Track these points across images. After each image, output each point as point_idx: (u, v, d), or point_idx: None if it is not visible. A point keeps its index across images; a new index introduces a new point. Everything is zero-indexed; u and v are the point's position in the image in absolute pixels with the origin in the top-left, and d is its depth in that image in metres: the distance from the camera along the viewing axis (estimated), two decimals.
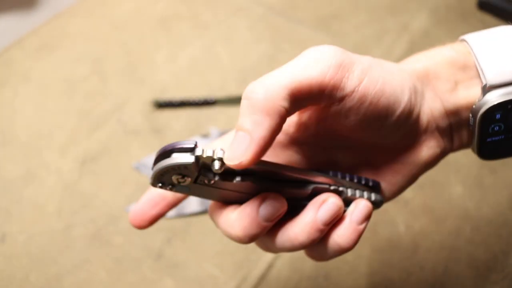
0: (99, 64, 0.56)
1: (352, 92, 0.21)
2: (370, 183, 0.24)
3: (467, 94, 0.23)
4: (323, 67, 0.20)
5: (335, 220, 0.22)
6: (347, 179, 0.24)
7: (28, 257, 0.41)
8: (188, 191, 0.22)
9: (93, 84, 0.54)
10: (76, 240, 0.42)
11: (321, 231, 0.22)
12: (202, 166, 0.21)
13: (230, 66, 0.57)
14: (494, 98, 0.22)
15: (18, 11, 0.63)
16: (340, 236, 0.23)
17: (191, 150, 0.20)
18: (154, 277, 0.40)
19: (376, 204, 0.25)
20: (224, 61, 0.57)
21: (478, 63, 0.23)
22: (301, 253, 0.42)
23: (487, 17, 0.63)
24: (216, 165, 0.20)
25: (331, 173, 0.24)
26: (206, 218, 0.44)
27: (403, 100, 0.22)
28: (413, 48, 0.60)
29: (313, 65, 0.20)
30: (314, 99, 0.21)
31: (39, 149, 0.48)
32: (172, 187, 0.22)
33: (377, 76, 0.21)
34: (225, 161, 0.20)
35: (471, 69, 0.23)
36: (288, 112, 0.20)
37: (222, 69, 0.56)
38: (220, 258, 0.42)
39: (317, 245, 0.23)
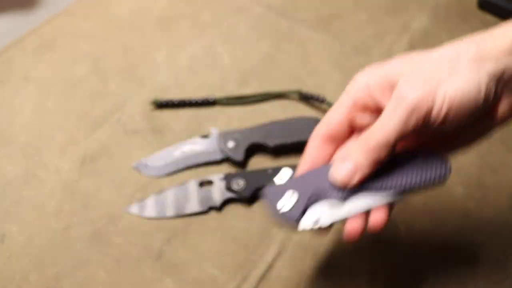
0: (98, 64, 0.56)
1: (443, 117, 0.25)
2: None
3: None
4: (416, 99, 0.25)
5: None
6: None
7: (28, 257, 0.41)
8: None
9: (92, 84, 0.54)
10: (76, 240, 0.42)
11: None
12: None
13: (230, 66, 0.56)
14: None
15: (18, 10, 0.63)
16: None
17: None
18: (154, 278, 0.40)
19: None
20: (224, 61, 0.57)
21: None
22: (302, 253, 0.42)
23: (488, 17, 0.63)
24: None
25: None
26: (206, 218, 0.44)
27: (479, 99, 0.25)
28: (414, 48, 0.60)
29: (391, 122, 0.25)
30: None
31: (39, 149, 0.48)
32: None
33: (453, 94, 0.25)
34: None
35: None
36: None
37: (222, 69, 0.56)
38: (220, 258, 0.41)
39: None
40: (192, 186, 0.45)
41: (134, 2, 0.64)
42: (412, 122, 0.25)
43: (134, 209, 0.44)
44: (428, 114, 0.25)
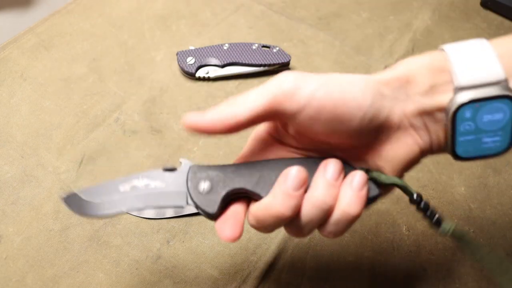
0: (96, 63, 0.56)
1: (304, 106, 0.24)
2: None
3: (441, 97, 0.25)
4: (274, 90, 0.25)
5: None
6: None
7: (25, 258, 0.41)
8: None
9: (90, 83, 0.54)
10: (74, 242, 0.42)
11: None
12: None
13: None
14: (464, 97, 0.24)
15: (15, 9, 0.62)
16: (347, 205, 0.25)
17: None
18: (152, 279, 0.40)
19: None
20: None
21: (452, 67, 0.25)
22: (302, 254, 0.41)
23: (491, 15, 0.63)
24: None
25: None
26: (205, 219, 0.43)
27: (365, 104, 0.24)
28: (416, 46, 0.59)
29: (264, 94, 0.25)
30: (272, 115, 0.25)
31: (36, 149, 0.48)
32: None
33: (333, 88, 0.25)
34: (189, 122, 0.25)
35: (446, 73, 0.25)
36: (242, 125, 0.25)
37: None
38: (220, 259, 0.41)
39: (329, 222, 0.26)
40: None
41: (132, 0, 0.63)
42: (270, 101, 0.25)
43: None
44: (287, 97, 0.25)
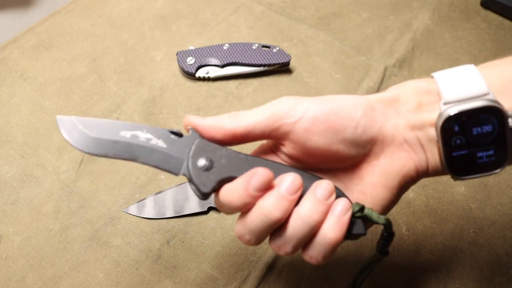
0: (96, 63, 0.56)
1: (299, 118, 0.26)
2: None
3: (429, 114, 0.26)
4: (264, 116, 0.27)
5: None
6: None
7: (25, 258, 0.41)
8: None
9: (90, 83, 0.54)
10: (74, 242, 0.42)
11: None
12: None
13: None
14: (450, 110, 0.25)
15: (15, 9, 0.62)
16: (328, 229, 0.26)
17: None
18: (152, 279, 0.40)
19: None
20: None
21: (438, 87, 0.26)
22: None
23: (491, 15, 0.63)
24: None
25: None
26: (205, 218, 0.44)
27: (356, 115, 0.26)
28: (416, 46, 0.59)
29: (261, 113, 0.27)
30: (258, 138, 0.27)
31: (36, 149, 0.48)
32: None
33: (325, 102, 0.26)
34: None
35: (433, 93, 0.27)
36: (237, 140, 0.28)
37: None
38: (220, 259, 0.41)
39: (311, 245, 0.26)
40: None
41: (132, 0, 0.63)
42: (270, 119, 0.27)
43: (133, 209, 0.43)
44: (285, 115, 0.26)
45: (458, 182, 0.46)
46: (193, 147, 0.27)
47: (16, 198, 0.44)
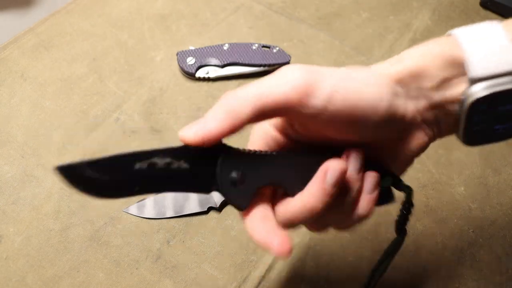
0: (96, 63, 0.56)
1: (323, 108, 0.23)
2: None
3: (454, 90, 0.25)
4: (286, 89, 0.23)
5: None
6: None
7: (25, 258, 0.41)
8: None
9: (91, 83, 0.54)
10: (74, 241, 0.42)
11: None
12: None
13: None
14: (480, 90, 0.24)
15: (15, 9, 0.62)
16: (357, 207, 0.26)
17: None
18: (153, 279, 0.40)
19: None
20: None
21: (466, 57, 0.24)
22: (302, 255, 0.41)
23: (491, 15, 0.63)
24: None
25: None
26: (205, 218, 0.44)
27: (381, 107, 0.24)
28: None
29: (280, 85, 0.23)
30: (281, 113, 0.24)
31: (36, 149, 0.48)
32: None
33: (350, 91, 0.23)
34: (180, 133, 0.23)
35: (459, 64, 0.24)
36: (250, 120, 0.23)
37: None
38: (220, 259, 0.41)
39: (340, 219, 0.27)
40: None
41: (132, 0, 0.63)
42: (290, 95, 0.23)
43: (133, 209, 0.44)
44: (306, 97, 0.23)
45: (458, 183, 0.46)
46: (219, 161, 0.24)
47: (16, 198, 0.44)
